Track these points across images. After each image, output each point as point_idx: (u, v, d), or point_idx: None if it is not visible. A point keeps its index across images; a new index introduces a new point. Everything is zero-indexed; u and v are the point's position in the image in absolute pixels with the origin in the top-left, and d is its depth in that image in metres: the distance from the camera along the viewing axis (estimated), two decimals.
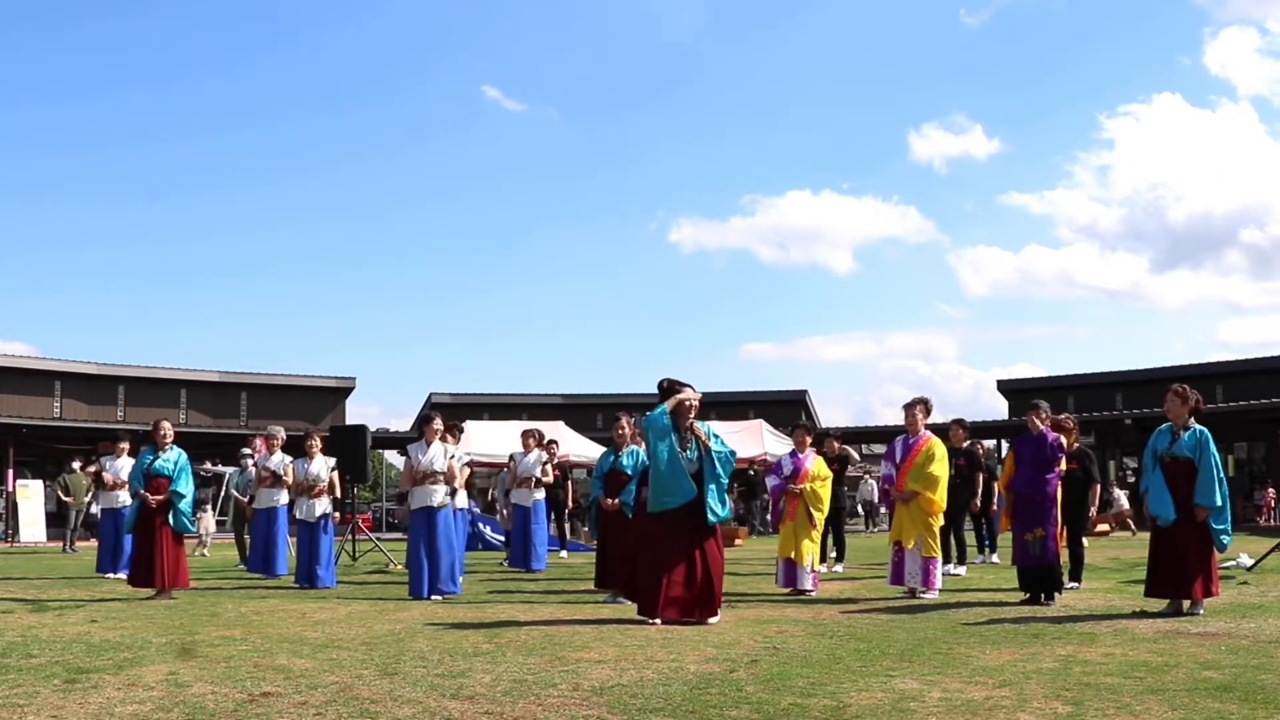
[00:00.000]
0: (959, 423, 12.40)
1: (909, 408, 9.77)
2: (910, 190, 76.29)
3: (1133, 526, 22.10)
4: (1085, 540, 10.40)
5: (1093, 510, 9.89)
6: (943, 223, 75.85)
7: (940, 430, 10.24)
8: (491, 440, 21.37)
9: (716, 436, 7.80)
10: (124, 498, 13.39)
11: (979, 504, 12.47)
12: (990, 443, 27.36)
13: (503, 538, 17.76)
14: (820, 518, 10.04)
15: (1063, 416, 9.84)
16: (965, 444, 12.29)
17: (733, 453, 7.90)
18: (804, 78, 73.45)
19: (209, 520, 17.60)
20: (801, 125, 73.38)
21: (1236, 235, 67.55)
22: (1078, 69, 71.94)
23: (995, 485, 12.44)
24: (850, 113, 73.03)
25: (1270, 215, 65.87)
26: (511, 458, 16.29)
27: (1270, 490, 30.55)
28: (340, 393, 38.14)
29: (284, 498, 12.14)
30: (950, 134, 72.44)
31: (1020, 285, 74.60)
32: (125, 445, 13.81)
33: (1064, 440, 9.06)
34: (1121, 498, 23.43)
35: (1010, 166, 73.09)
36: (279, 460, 12.25)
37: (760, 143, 72.67)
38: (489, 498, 22.22)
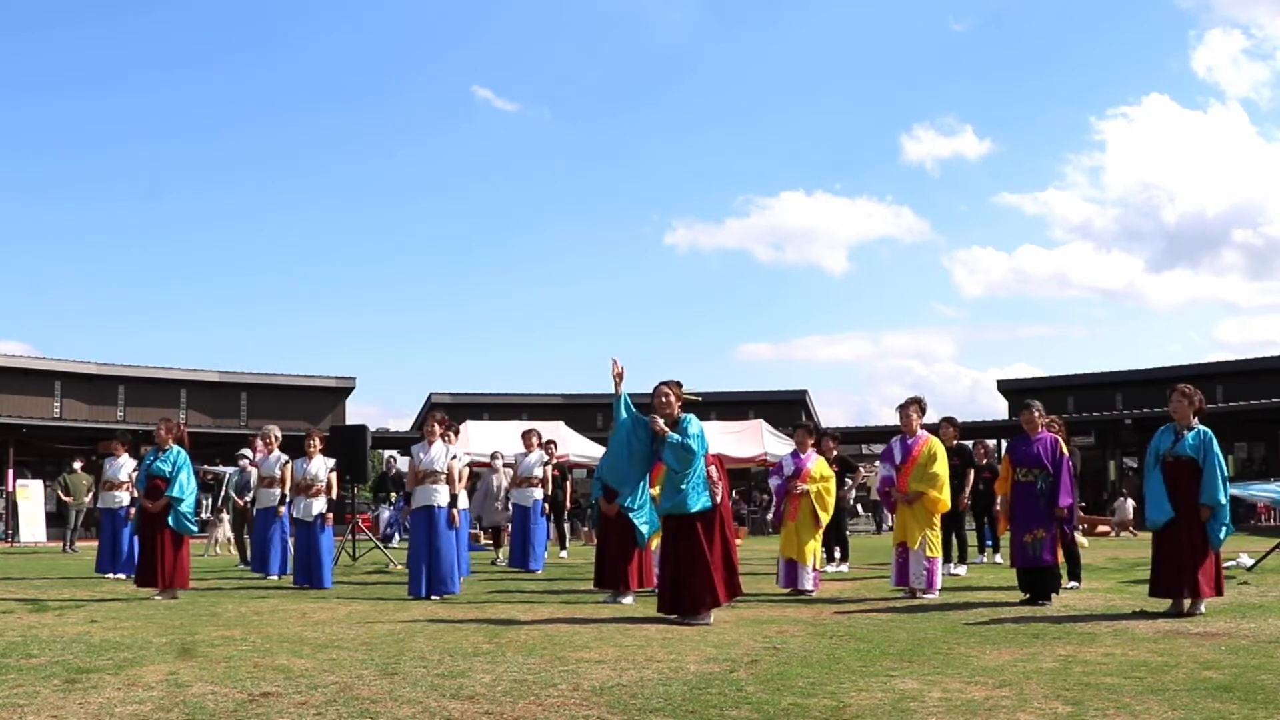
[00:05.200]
0: (949, 421, 12.41)
1: (903, 408, 9.77)
2: (904, 191, 76.16)
3: (1133, 531, 22.08)
4: (1085, 540, 10.41)
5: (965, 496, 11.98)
6: (937, 223, 75.75)
7: (930, 430, 10.25)
8: (491, 440, 21.36)
9: (684, 428, 7.58)
10: (122, 497, 13.45)
11: (968, 501, 12.46)
12: (991, 443, 27.34)
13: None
14: (826, 519, 10.07)
15: (1050, 418, 9.83)
16: (955, 442, 12.28)
17: (684, 444, 7.44)
18: (796, 80, 73.36)
19: (225, 528, 17.59)
20: (793, 126, 73.20)
21: (1230, 235, 67.49)
22: (1066, 72, 71.84)
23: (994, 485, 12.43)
24: (842, 114, 72.83)
25: (1263, 216, 65.81)
26: (494, 456, 16.25)
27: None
28: (340, 393, 38.08)
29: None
30: (941, 135, 72.32)
31: (1015, 285, 74.47)
32: (121, 445, 13.83)
33: (1060, 440, 9.07)
34: (1127, 507, 23.35)
35: (1002, 167, 72.95)
36: (276, 460, 12.26)
37: (753, 144, 72.51)
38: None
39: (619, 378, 7.68)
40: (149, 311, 66.08)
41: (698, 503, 7.48)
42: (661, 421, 7.59)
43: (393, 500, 21.88)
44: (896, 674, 5.23)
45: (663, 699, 4.64)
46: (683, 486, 7.47)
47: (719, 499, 7.69)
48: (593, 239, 70.98)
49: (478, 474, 16.96)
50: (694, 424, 7.63)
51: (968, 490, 12.33)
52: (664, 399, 7.68)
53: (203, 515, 18.64)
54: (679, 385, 7.79)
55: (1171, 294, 72.11)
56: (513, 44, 70.35)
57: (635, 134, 72.21)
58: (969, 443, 13.38)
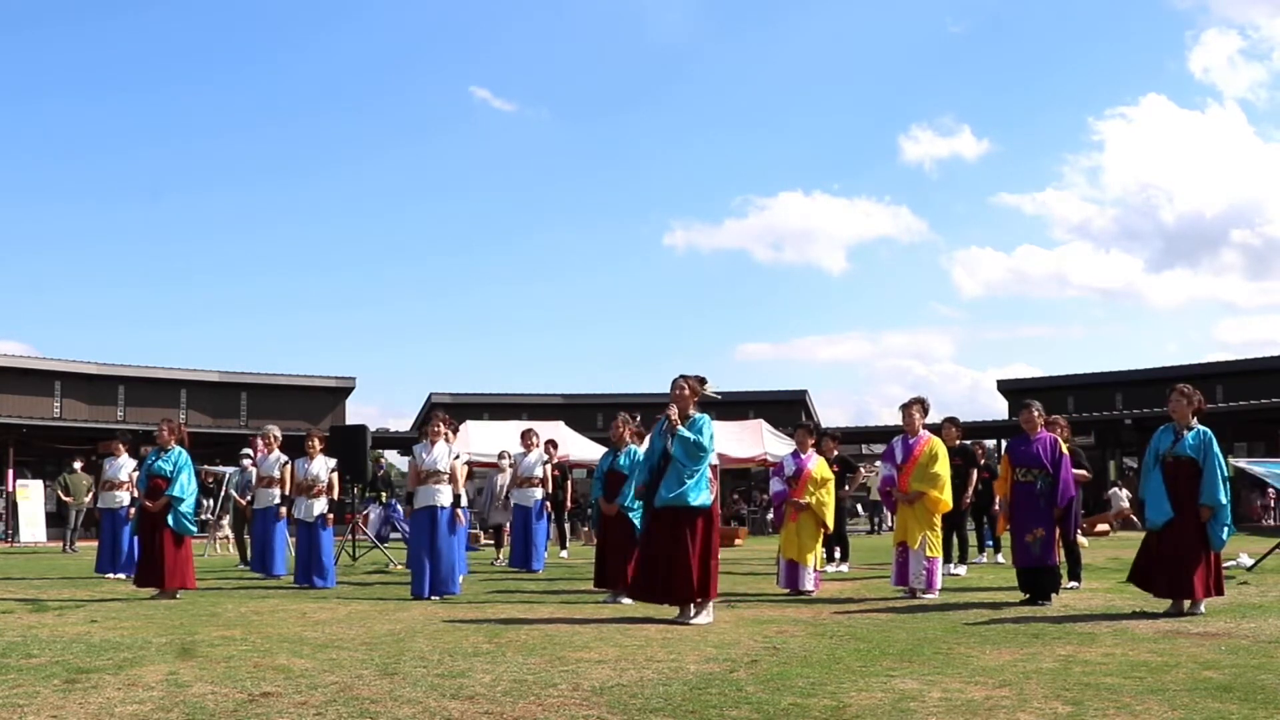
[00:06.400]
0: (952, 421, 12.43)
1: (906, 408, 9.77)
2: (902, 191, 75.98)
3: (1136, 521, 22.13)
4: (1085, 540, 10.41)
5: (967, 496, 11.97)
6: (935, 223, 75.61)
7: (933, 430, 10.26)
8: (491, 440, 21.35)
9: (699, 427, 7.65)
10: (121, 497, 13.46)
11: (969, 501, 12.47)
12: (990, 443, 27.34)
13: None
14: (830, 522, 10.08)
15: (1053, 418, 9.84)
16: (958, 442, 12.28)
17: (697, 441, 7.54)
18: (794, 80, 73.30)
19: (225, 528, 17.61)
20: (792, 127, 73.08)
21: (1229, 235, 67.45)
22: (1064, 73, 71.75)
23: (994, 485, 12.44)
24: (840, 115, 72.65)
25: (1261, 216, 65.78)
26: (501, 456, 16.22)
27: (1270, 490, 30.51)
28: (340, 393, 38.06)
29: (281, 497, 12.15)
30: (939, 135, 72.27)
31: (1014, 285, 74.35)
32: (121, 445, 13.85)
33: (1060, 439, 9.07)
34: (1122, 496, 23.45)
35: (1000, 168, 72.81)
36: (276, 460, 12.26)
37: (751, 144, 72.37)
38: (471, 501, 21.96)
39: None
40: (149, 311, 65.98)
41: (697, 498, 7.51)
42: (675, 413, 7.62)
43: (383, 500, 21.81)
44: (896, 674, 5.24)
45: (663, 699, 4.64)
46: (686, 481, 7.49)
47: (714, 500, 7.72)
48: (592, 239, 70.95)
49: (476, 474, 16.97)
50: (708, 426, 7.67)
51: (970, 490, 12.33)
52: (680, 391, 7.73)
53: (204, 515, 18.67)
54: (701, 381, 7.82)
55: (1171, 294, 72.06)
56: (511, 44, 70.31)
57: (634, 134, 72.14)
58: (969, 442, 13.39)
